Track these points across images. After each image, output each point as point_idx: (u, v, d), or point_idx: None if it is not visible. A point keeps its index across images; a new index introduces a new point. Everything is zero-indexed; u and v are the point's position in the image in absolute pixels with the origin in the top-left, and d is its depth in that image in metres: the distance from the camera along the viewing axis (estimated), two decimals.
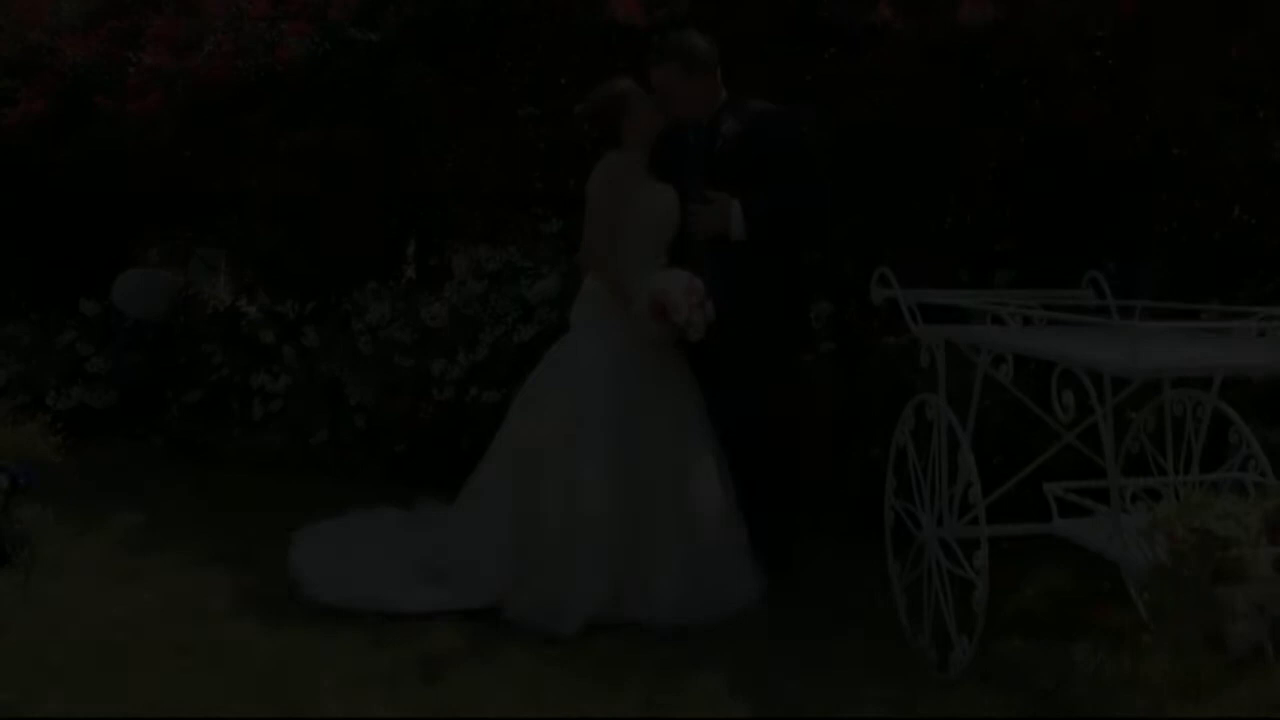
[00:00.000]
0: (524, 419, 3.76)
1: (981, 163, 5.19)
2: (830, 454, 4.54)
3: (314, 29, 5.68)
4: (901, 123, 4.69)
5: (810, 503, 4.53)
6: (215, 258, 9.63)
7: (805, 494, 4.51)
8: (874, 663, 3.22)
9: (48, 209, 7.34)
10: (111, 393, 7.15)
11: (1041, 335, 2.96)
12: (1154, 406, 3.14)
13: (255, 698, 3.05)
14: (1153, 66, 4.25)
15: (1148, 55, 4.27)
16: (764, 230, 3.81)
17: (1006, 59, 4.40)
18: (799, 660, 3.26)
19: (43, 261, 7.69)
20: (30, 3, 7.07)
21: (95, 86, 6.25)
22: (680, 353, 3.81)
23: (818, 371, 4.42)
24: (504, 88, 6.39)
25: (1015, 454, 3.47)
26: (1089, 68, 4.46)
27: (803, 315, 4.15)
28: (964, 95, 4.72)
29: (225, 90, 5.74)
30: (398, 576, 3.75)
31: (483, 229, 6.62)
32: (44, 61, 6.56)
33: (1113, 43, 4.36)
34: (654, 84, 3.89)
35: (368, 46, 5.53)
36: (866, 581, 3.76)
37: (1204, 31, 4.15)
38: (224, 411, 6.98)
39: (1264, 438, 2.84)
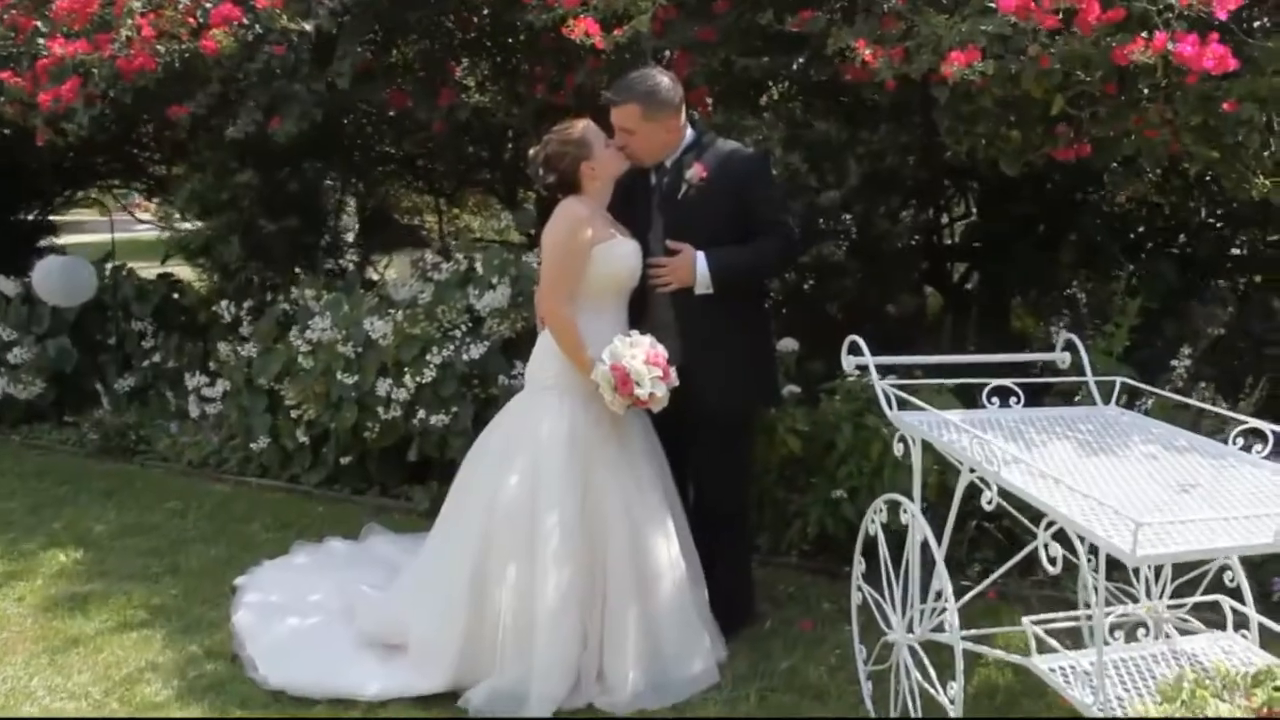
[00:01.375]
0: (480, 493, 3.55)
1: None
2: (789, 497, 4.43)
3: (243, 14, 5.25)
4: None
5: (769, 546, 4.45)
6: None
7: (763, 538, 4.43)
8: None
9: None
10: (38, 382, 6.81)
11: (1029, 467, 2.75)
12: None
13: None
14: None
15: None
16: (732, 281, 3.61)
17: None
18: None
19: None
20: None
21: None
22: (642, 411, 3.63)
23: (781, 414, 4.27)
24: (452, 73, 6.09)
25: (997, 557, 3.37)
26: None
27: (770, 365, 3.95)
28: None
29: (148, 79, 5.30)
30: (349, 653, 3.58)
31: (434, 222, 6.33)
32: None
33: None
34: (614, 125, 3.62)
35: (301, 35, 5.13)
36: (826, 651, 3.70)
37: None
38: (159, 402, 6.71)
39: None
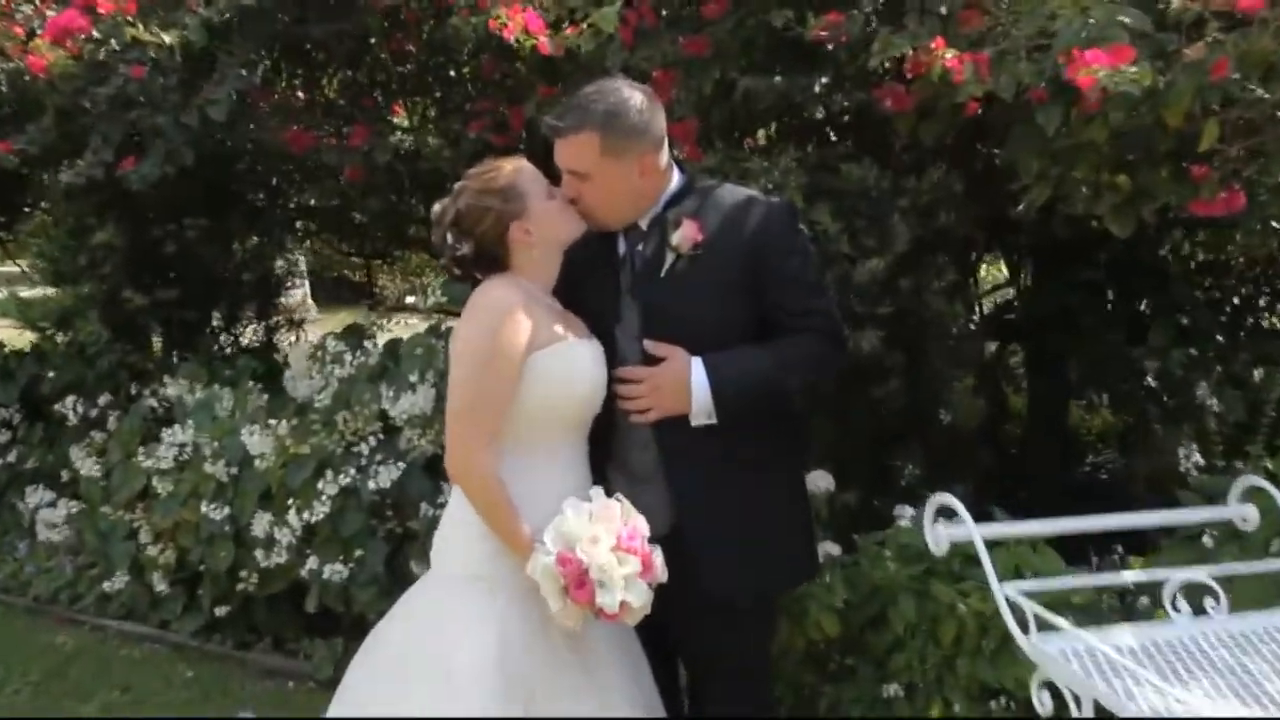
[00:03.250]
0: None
1: None
2: (818, 688, 3.13)
3: (93, 25, 4.01)
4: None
5: None
6: None
7: None
8: None
9: None
10: None
11: None
12: None
13: None
14: None
15: None
16: (744, 404, 2.34)
17: None
18: None
19: None
20: None
21: None
22: None
23: (811, 583, 2.97)
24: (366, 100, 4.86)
25: None
26: None
27: (804, 526, 2.57)
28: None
29: None
30: None
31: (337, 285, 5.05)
32: None
33: None
34: (561, 167, 2.37)
35: (165, 50, 3.89)
36: None
37: None
38: (9, 515, 5.35)
39: None
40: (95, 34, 4.02)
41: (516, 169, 2.34)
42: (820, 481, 3.14)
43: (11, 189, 4.67)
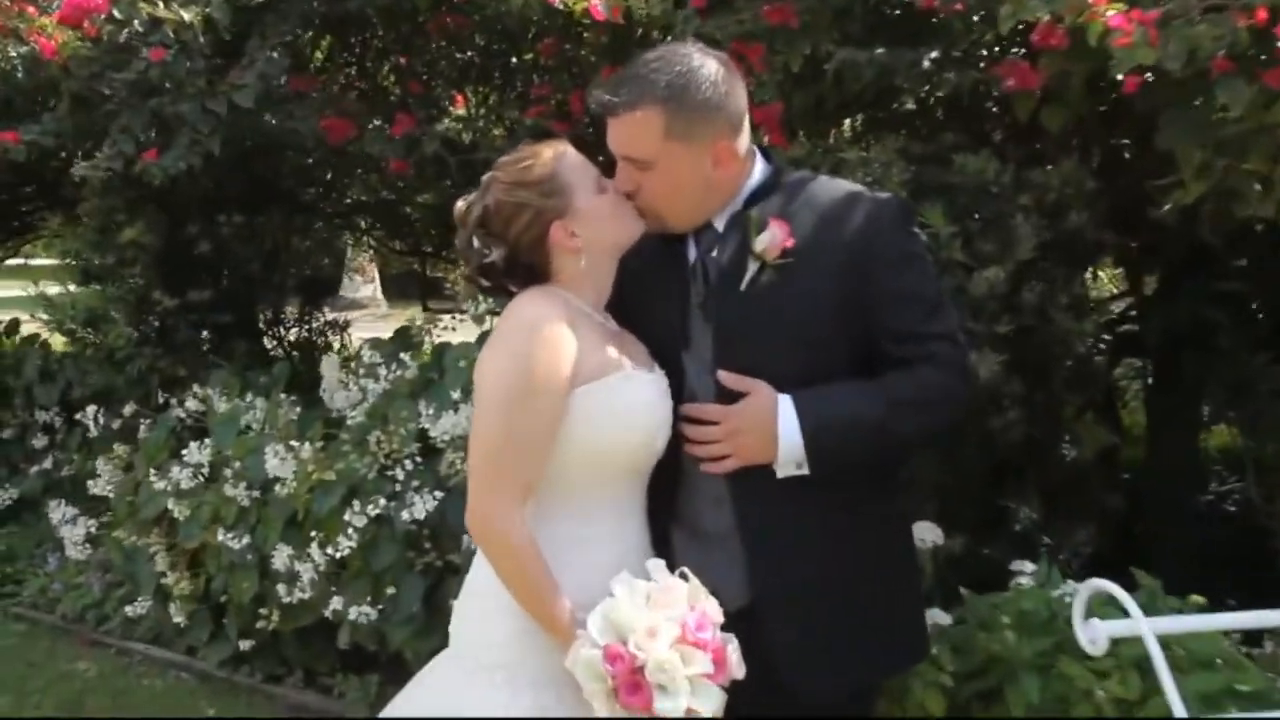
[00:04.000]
0: None
1: None
2: None
3: (111, 3, 3.67)
4: None
5: None
6: None
7: None
8: None
9: None
10: None
11: None
12: None
13: None
14: None
15: None
16: (844, 452, 1.86)
17: None
18: None
19: None
20: None
21: None
22: None
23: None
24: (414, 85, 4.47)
25: None
26: None
27: (913, 603, 2.07)
28: None
29: None
30: None
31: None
32: None
33: None
34: (616, 154, 1.91)
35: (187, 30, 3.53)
36: None
37: None
38: (43, 525, 5.08)
39: None
40: (116, 14, 3.67)
41: (557, 155, 1.88)
42: (927, 535, 2.64)
43: (45, 180, 4.36)
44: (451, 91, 4.70)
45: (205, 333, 4.33)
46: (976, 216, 2.78)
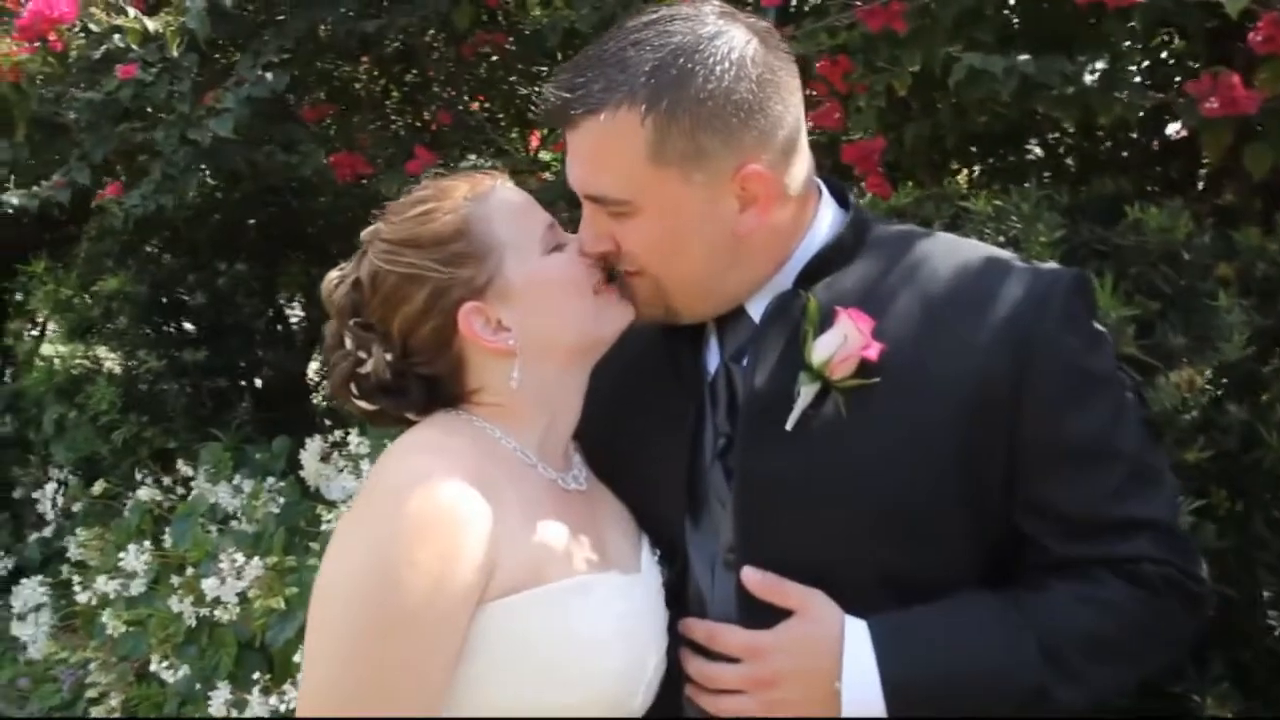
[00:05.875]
0: None
1: None
2: None
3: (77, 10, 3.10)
4: None
5: None
6: None
7: None
8: None
9: None
10: None
11: None
12: None
13: None
14: None
15: None
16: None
17: None
18: None
19: None
20: None
21: None
22: None
23: None
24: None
25: None
26: None
27: None
28: None
29: None
30: None
31: None
32: None
33: None
34: (576, 189, 1.15)
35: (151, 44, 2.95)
36: None
37: None
38: None
39: None
40: (92, 27, 3.11)
41: (476, 196, 1.14)
42: None
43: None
44: (499, 122, 4.07)
45: (203, 398, 3.72)
46: (1158, 294, 1.94)
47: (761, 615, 1.09)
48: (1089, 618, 1.05)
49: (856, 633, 1.05)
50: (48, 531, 4.86)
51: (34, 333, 6.21)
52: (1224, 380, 1.94)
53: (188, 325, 3.83)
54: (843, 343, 1.07)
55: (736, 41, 1.09)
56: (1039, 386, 1.06)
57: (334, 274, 1.18)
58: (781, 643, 1.07)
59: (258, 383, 4.02)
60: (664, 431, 1.17)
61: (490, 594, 1.02)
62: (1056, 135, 2.62)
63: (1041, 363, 1.06)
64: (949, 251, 1.16)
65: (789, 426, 1.09)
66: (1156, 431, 1.91)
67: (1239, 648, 2.34)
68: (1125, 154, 2.52)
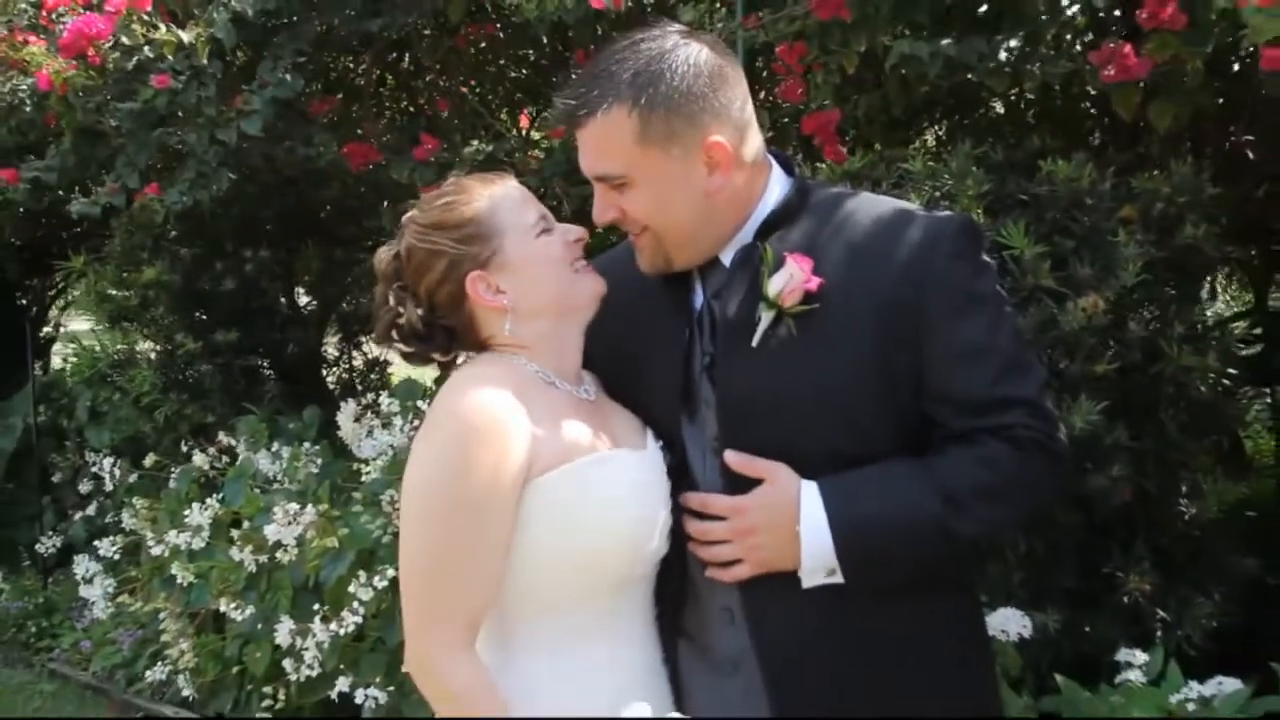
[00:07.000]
0: None
1: None
2: None
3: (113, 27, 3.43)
4: None
5: None
6: None
7: None
8: None
9: None
10: None
11: None
12: None
13: None
14: None
15: None
16: (889, 555, 1.43)
17: None
18: None
19: None
20: None
21: None
22: None
23: None
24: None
25: None
26: None
27: (986, 712, 1.58)
28: None
29: None
30: None
31: None
32: None
33: None
34: (587, 173, 1.51)
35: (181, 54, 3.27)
36: None
37: None
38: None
39: None
40: (124, 40, 3.43)
41: (491, 193, 1.50)
42: (1011, 625, 2.16)
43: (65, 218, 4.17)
44: (491, 106, 4.40)
45: (235, 376, 4.07)
46: (1070, 234, 2.30)
47: (741, 485, 1.45)
48: (978, 471, 1.40)
49: (810, 492, 1.41)
50: (91, 510, 5.22)
51: (49, 329, 6.55)
52: (1124, 302, 2.31)
53: (218, 310, 4.16)
54: (789, 279, 1.43)
55: (692, 51, 1.44)
56: (935, 304, 1.41)
57: (383, 250, 1.54)
58: (756, 503, 1.43)
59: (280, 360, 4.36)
60: (663, 351, 1.53)
61: (533, 474, 1.38)
62: (996, 100, 2.97)
63: (934, 287, 1.41)
64: (869, 207, 1.52)
65: (754, 344, 1.45)
66: (1068, 348, 2.29)
67: (1158, 534, 2.73)
68: (1049, 118, 2.87)
